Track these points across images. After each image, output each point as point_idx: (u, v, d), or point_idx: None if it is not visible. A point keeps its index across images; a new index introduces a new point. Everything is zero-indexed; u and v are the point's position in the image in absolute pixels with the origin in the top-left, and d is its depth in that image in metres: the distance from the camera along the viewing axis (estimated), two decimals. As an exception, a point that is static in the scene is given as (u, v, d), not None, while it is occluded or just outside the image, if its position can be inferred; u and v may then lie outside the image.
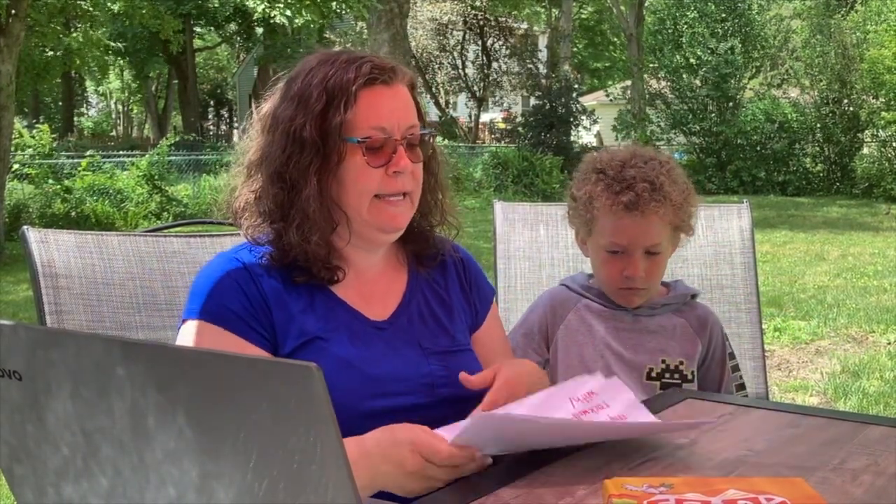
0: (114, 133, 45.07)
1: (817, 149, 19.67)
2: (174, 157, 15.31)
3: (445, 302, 1.59)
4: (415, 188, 1.49)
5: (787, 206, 16.24)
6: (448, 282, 1.61)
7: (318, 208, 1.43)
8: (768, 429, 1.46)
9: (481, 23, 30.50)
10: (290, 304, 1.44)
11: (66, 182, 12.49)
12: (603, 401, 1.38)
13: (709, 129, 20.09)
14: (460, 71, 31.34)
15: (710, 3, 20.31)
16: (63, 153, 14.93)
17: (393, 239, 1.54)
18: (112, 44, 24.65)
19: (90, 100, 49.32)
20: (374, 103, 1.44)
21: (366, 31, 18.25)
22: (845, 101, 18.91)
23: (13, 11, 9.48)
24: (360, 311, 1.49)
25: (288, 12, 17.12)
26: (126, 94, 42.17)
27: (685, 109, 20.65)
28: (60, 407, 0.77)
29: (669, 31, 20.94)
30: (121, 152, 17.64)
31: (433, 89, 30.90)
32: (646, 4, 24.52)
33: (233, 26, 29.98)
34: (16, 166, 12.11)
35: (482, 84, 31.07)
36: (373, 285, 1.54)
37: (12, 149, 11.16)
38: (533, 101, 24.05)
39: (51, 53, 20.24)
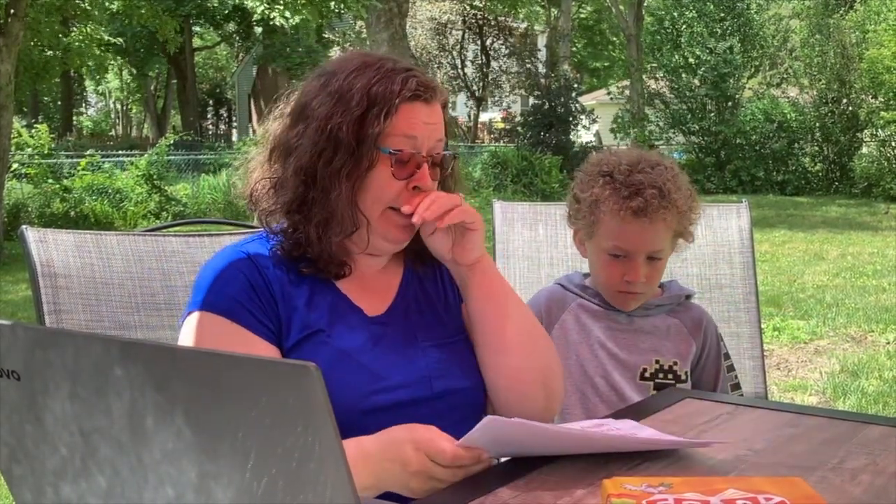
0: (113, 133, 45.07)
1: (816, 148, 19.68)
2: (173, 157, 15.31)
3: (440, 292, 1.59)
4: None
5: (786, 206, 16.25)
6: (443, 271, 1.61)
7: (346, 212, 1.43)
8: (767, 428, 1.46)
9: (480, 22, 30.52)
10: (294, 297, 1.45)
11: (65, 182, 12.49)
12: (613, 426, 1.38)
13: (708, 128, 20.10)
14: (459, 70, 31.34)
15: (708, 3, 20.32)
16: (62, 153, 14.93)
17: (396, 251, 1.54)
18: (111, 40, 24.61)
19: (89, 99, 49.32)
20: (412, 118, 1.44)
21: (365, 30, 18.25)
22: (844, 100, 18.92)
23: (12, 11, 9.48)
24: (360, 307, 1.50)
25: (287, 13, 17.12)
26: (125, 94, 42.16)
27: (684, 109, 20.66)
28: (59, 407, 0.76)
29: (668, 30, 20.96)
30: (120, 152, 17.65)
31: (432, 89, 30.85)
32: (645, 4, 24.52)
33: (231, 25, 29.96)
34: (15, 166, 12.11)
35: (481, 84, 31.08)
36: (372, 281, 1.54)
37: (12, 148, 11.16)
38: (532, 101, 24.06)
39: (50, 53, 20.24)
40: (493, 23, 30.59)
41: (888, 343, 6.16)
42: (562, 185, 17.16)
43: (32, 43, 17.54)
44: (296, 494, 0.69)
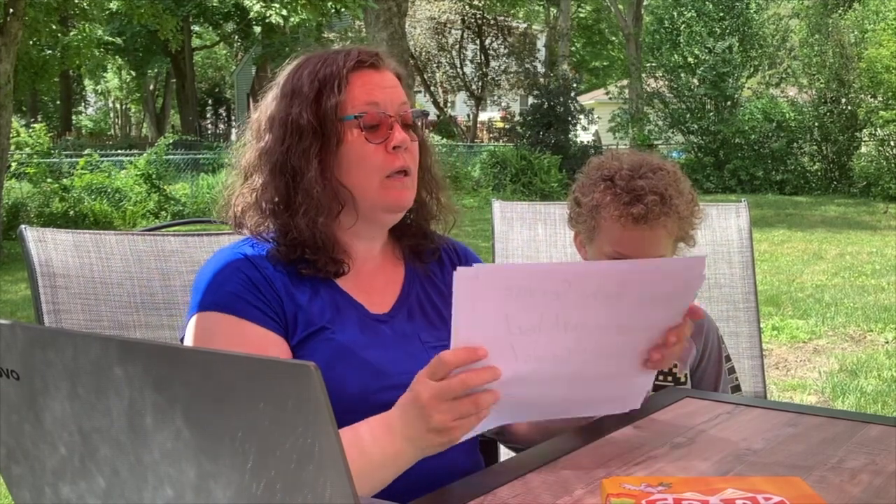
0: (112, 132, 45.05)
1: (815, 148, 19.70)
2: (172, 156, 15.30)
3: (443, 293, 1.59)
4: (414, 167, 1.51)
5: (784, 205, 16.26)
6: (445, 274, 1.61)
7: (323, 190, 1.44)
8: (766, 428, 1.46)
9: (479, 22, 30.51)
10: (297, 295, 1.44)
11: (64, 181, 12.49)
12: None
13: (707, 128, 20.11)
14: (458, 70, 31.34)
15: (707, 3, 20.34)
16: (61, 152, 14.93)
17: (396, 220, 1.54)
18: (110, 39, 24.62)
19: (88, 99, 49.30)
20: (366, 83, 1.48)
21: (364, 30, 18.24)
22: (843, 100, 18.94)
23: (11, 10, 9.48)
24: (363, 304, 1.50)
25: (284, 12, 17.11)
26: (124, 93, 42.13)
27: (683, 108, 20.68)
28: (58, 406, 0.76)
29: (667, 30, 20.97)
30: (119, 151, 17.64)
31: (431, 88, 30.90)
32: (644, 3, 24.53)
33: (230, 25, 29.97)
34: (14, 165, 12.10)
35: (480, 83, 31.08)
36: (372, 279, 1.54)
37: (11, 147, 11.16)
38: (531, 100, 24.07)
39: (49, 52, 20.23)
40: (492, 22, 30.58)
41: (887, 342, 6.16)
42: (561, 185, 17.18)
43: (31, 42, 17.51)
44: (295, 495, 0.69)
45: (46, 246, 1.68)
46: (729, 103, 20.34)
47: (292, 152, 1.45)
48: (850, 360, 5.65)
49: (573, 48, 33.27)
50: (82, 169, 13.03)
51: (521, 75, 29.36)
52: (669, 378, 1.87)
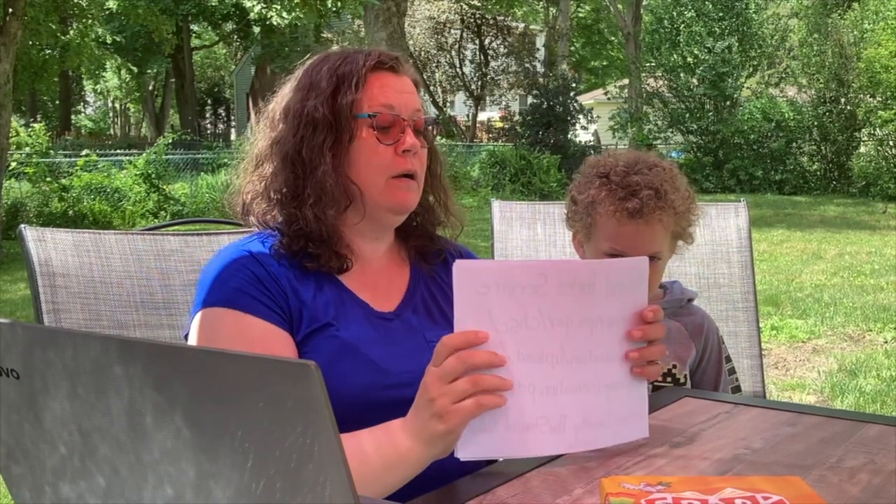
0: (111, 132, 45.03)
1: (814, 147, 19.71)
2: (171, 156, 15.28)
3: (448, 295, 1.59)
4: (421, 172, 1.52)
5: (784, 205, 16.27)
6: (449, 275, 1.61)
7: (335, 184, 1.46)
8: (765, 427, 1.46)
9: (479, 21, 30.51)
10: (302, 291, 1.44)
11: (64, 181, 12.48)
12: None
13: (706, 127, 20.12)
14: (458, 70, 31.34)
15: (707, 2, 20.35)
16: (60, 152, 14.92)
17: (399, 221, 1.55)
18: (109, 36, 24.60)
19: (88, 98, 49.28)
20: (383, 84, 1.49)
21: (363, 29, 18.25)
22: (842, 99, 18.95)
23: (10, 10, 9.47)
24: (367, 302, 1.50)
25: (284, 13, 17.11)
26: (123, 93, 42.12)
27: (682, 108, 20.69)
28: (58, 406, 0.76)
29: (667, 29, 20.98)
30: (118, 151, 17.63)
31: (431, 88, 30.90)
32: (643, 3, 24.53)
33: (230, 25, 29.96)
34: (13, 165, 12.10)
35: (480, 83, 31.08)
36: (377, 277, 1.54)
37: (11, 147, 11.16)
38: (530, 100, 24.07)
39: (48, 52, 20.23)
40: (491, 22, 30.58)
41: (886, 342, 6.17)
42: (560, 185, 17.18)
43: (31, 42, 17.51)
44: (294, 495, 0.69)
45: (46, 245, 1.68)
46: (728, 103, 20.34)
47: (305, 144, 1.46)
48: (849, 359, 5.66)
49: (572, 48, 33.28)
50: (81, 169, 13.02)
51: (521, 75, 29.37)
52: (669, 379, 1.87)
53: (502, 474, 1.24)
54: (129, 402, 0.73)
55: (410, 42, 25.35)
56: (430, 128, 1.55)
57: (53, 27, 16.89)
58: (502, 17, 31.05)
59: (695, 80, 20.48)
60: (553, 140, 20.73)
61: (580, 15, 36.16)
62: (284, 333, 1.40)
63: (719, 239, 2.44)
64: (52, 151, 13.42)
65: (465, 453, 1.22)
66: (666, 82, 21.13)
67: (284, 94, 1.54)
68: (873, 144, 18.60)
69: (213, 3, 25.03)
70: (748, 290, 2.40)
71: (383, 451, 1.24)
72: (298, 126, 1.47)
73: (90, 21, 19.04)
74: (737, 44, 20.27)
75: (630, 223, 1.75)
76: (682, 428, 1.45)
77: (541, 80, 25.22)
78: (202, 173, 15.49)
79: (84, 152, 13.95)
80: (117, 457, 0.75)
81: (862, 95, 18.76)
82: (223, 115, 43.82)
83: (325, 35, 27.81)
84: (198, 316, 1.41)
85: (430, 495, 1.22)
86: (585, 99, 26.80)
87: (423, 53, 30.18)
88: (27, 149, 12.57)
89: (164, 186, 13.10)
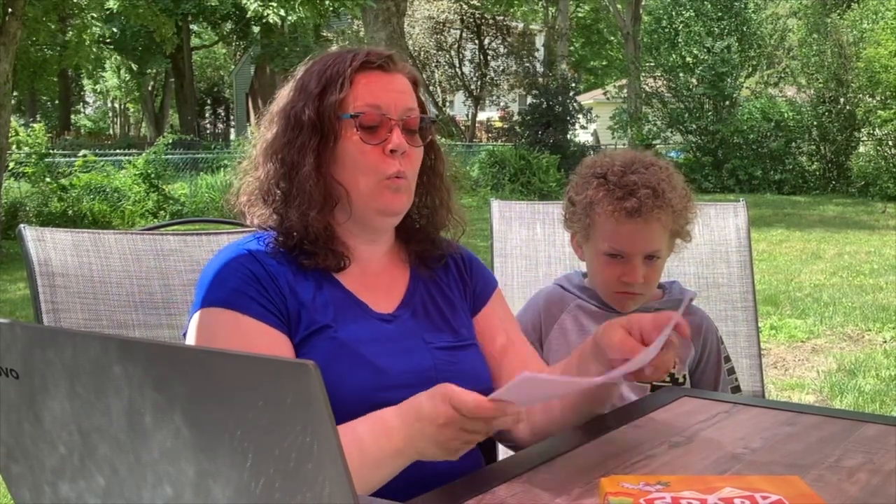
0: (111, 132, 45.00)
1: (814, 147, 19.70)
2: (171, 156, 15.28)
3: (448, 297, 1.59)
4: (412, 173, 1.51)
5: (783, 205, 16.27)
6: (450, 278, 1.61)
7: (315, 184, 1.45)
8: (764, 427, 1.46)
9: (478, 21, 30.49)
10: (301, 292, 1.44)
11: (63, 181, 12.47)
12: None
13: (705, 127, 20.11)
14: (457, 69, 31.32)
15: (706, 2, 20.34)
16: (60, 151, 14.91)
17: (391, 224, 1.55)
18: (109, 32, 24.59)
19: (87, 98, 49.24)
20: (370, 83, 1.48)
21: (362, 29, 18.23)
22: (842, 99, 18.94)
23: (10, 10, 9.47)
24: (366, 303, 1.50)
25: (282, 11, 17.09)
26: (123, 93, 42.09)
27: (682, 108, 20.67)
28: (57, 405, 0.77)
29: (666, 29, 20.96)
30: (118, 151, 17.62)
31: (430, 88, 30.88)
32: (642, 3, 24.53)
33: (229, 25, 29.94)
34: (12, 165, 12.09)
35: (479, 83, 31.06)
36: (376, 278, 1.54)
37: (12, 147, 11.15)
38: (530, 100, 24.07)
39: (48, 52, 20.21)
40: (490, 22, 30.56)
41: (885, 342, 6.17)
42: (559, 185, 17.17)
43: (30, 42, 17.51)
44: (294, 494, 0.69)
45: (45, 245, 1.68)
46: (727, 103, 20.33)
47: (292, 145, 1.47)
48: (848, 359, 5.66)
49: (572, 48, 33.28)
50: (80, 170, 13.02)
51: (520, 75, 29.35)
52: (667, 378, 1.87)
53: (502, 473, 1.24)
54: (129, 402, 0.73)
55: (410, 42, 25.35)
56: (426, 128, 1.53)
57: (52, 26, 16.88)
58: (502, 17, 31.02)
59: (694, 80, 20.47)
60: (552, 140, 20.73)
61: (579, 15, 36.16)
62: (281, 335, 1.41)
63: (718, 239, 2.44)
64: (51, 151, 13.41)
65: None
66: (665, 82, 21.12)
67: (282, 95, 1.55)
68: (872, 144, 18.59)
69: (213, 3, 25.01)
70: (747, 289, 2.40)
71: (376, 447, 1.26)
72: (287, 128, 1.48)
73: (89, 18, 19.03)
74: (736, 44, 20.25)
75: (629, 222, 1.75)
76: (681, 427, 1.45)
77: (540, 79, 25.22)
78: (201, 173, 15.47)
79: (82, 153, 13.93)
80: (117, 456, 0.75)
81: (861, 95, 18.75)
82: (223, 114, 43.79)
83: (324, 35, 27.80)
84: (196, 315, 1.41)
85: (430, 495, 1.22)
86: (585, 99, 26.78)
87: (422, 53, 30.15)
88: (27, 148, 12.56)
89: (164, 186, 13.09)
